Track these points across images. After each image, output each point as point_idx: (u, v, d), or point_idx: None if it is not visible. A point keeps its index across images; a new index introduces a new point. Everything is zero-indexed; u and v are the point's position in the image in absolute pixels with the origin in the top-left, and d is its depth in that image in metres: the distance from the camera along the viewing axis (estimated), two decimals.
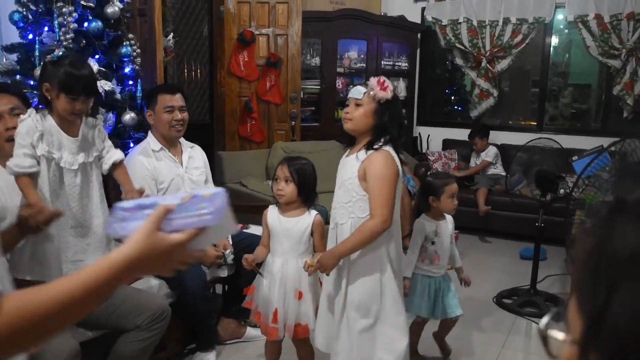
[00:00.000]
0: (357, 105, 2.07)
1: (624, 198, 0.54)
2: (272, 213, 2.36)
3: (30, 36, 2.82)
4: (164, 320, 2.24)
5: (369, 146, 2.07)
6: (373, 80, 2.06)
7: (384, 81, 2.06)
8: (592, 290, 0.49)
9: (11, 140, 2.00)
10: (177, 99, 2.85)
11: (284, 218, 2.33)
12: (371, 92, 2.05)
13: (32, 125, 1.97)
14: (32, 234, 1.92)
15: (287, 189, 2.28)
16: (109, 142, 2.23)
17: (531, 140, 4.32)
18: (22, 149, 1.95)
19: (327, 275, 2.15)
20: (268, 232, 2.36)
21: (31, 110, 1.99)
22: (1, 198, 1.96)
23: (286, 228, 2.31)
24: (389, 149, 2.07)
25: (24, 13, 2.85)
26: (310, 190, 2.34)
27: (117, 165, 2.19)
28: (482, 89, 5.82)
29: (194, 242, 0.89)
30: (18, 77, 2.75)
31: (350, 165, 2.10)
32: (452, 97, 6.51)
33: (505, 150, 5.54)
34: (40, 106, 2.04)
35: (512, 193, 5.14)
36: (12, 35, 3.04)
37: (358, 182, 2.06)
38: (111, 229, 0.98)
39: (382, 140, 2.06)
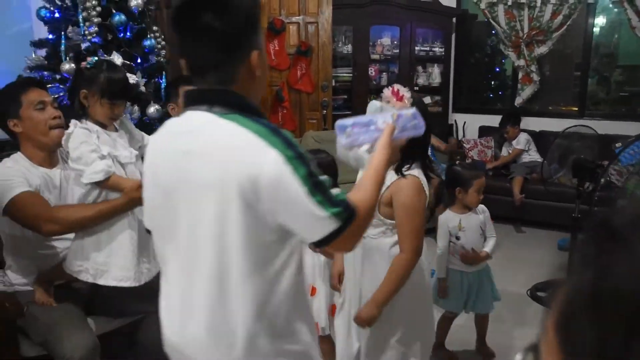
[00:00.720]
0: None
1: (611, 220, 0.46)
2: None
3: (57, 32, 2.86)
4: None
5: (396, 169, 1.83)
6: (387, 92, 1.80)
7: (398, 90, 1.80)
8: (592, 335, 0.41)
9: (57, 127, 2.04)
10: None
11: None
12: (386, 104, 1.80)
13: (84, 132, 1.93)
14: None
15: None
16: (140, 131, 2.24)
17: (570, 127, 4.13)
18: (93, 155, 1.89)
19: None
20: None
21: (73, 122, 1.98)
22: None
23: None
24: (418, 173, 1.84)
25: (51, 9, 2.89)
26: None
27: None
28: (525, 74, 5.62)
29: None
30: (45, 73, 2.80)
31: None
32: (492, 83, 6.33)
33: (544, 138, 5.35)
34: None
35: (550, 182, 4.96)
36: (43, 31, 3.09)
37: (380, 205, 1.86)
38: (346, 142, 1.34)
39: (410, 162, 1.84)
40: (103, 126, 2.00)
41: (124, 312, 2.22)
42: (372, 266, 1.89)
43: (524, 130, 5.32)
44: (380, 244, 1.88)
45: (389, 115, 1.34)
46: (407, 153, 1.80)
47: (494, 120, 5.66)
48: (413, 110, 1.38)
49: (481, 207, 2.69)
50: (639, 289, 0.39)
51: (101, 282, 1.93)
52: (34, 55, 2.92)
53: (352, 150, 1.38)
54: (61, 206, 1.97)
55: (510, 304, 3.37)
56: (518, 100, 5.74)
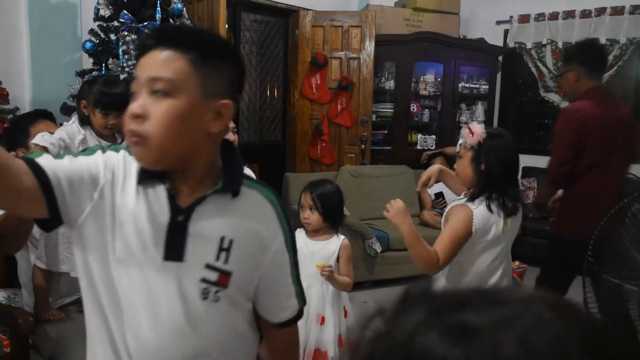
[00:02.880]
0: (459, 157, 2.00)
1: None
2: (299, 236, 2.34)
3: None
4: None
5: (471, 198, 1.94)
6: (464, 130, 1.98)
7: (470, 126, 1.96)
8: None
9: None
10: (232, 122, 2.93)
11: (310, 241, 2.32)
12: (463, 141, 1.98)
13: (75, 130, 2.13)
14: None
15: (313, 217, 2.28)
16: None
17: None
18: (56, 136, 2.04)
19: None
20: None
21: (75, 118, 2.15)
22: None
23: (312, 251, 2.29)
24: (475, 205, 1.90)
25: (95, 42, 3.06)
26: (335, 215, 2.32)
27: None
28: None
29: None
30: None
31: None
32: (538, 122, 6.19)
33: None
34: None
35: None
36: (90, 63, 3.27)
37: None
38: None
39: (483, 195, 1.91)
40: (102, 136, 2.15)
41: None
42: None
43: None
44: None
45: None
46: (482, 182, 1.91)
47: (537, 161, 5.52)
48: None
49: None
50: None
51: None
52: (77, 84, 3.09)
53: None
54: None
55: None
56: None
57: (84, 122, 2.18)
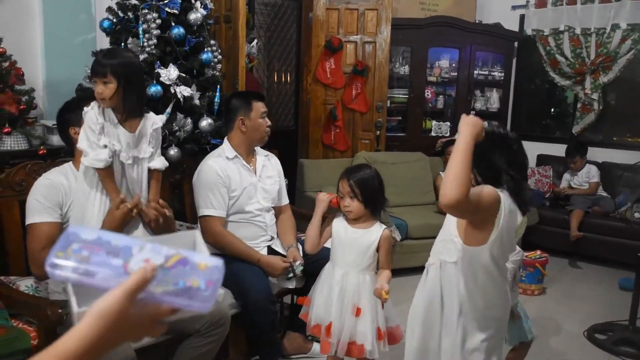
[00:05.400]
0: None
1: None
2: (339, 222, 2.26)
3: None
4: (222, 327, 2.21)
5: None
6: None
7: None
8: None
9: None
10: (265, 106, 2.83)
11: (350, 228, 2.21)
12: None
13: (92, 117, 2.00)
14: None
15: (353, 205, 2.17)
16: (159, 146, 2.22)
17: None
18: (94, 140, 1.99)
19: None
20: (329, 235, 2.27)
21: (94, 103, 2.02)
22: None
23: (352, 238, 2.19)
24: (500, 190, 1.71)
25: (114, 20, 2.94)
26: (377, 201, 2.20)
27: (153, 172, 2.18)
28: (584, 103, 5.40)
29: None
30: None
31: None
32: (552, 110, 6.11)
33: (607, 169, 5.10)
34: None
35: (613, 216, 4.72)
36: (106, 42, 3.16)
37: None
38: (61, 270, 0.71)
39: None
40: (122, 117, 2.04)
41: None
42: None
43: (588, 161, 5.08)
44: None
45: (163, 254, 0.75)
46: (489, 175, 1.74)
47: (553, 149, 5.45)
48: (217, 263, 0.77)
49: None
50: None
51: None
52: None
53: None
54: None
55: (564, 344, 3.18)
56: (576, 129, 5.52)
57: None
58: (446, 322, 1.79)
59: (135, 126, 2.07)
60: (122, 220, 2.03)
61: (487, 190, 1.65)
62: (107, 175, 2.02)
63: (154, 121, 2.14)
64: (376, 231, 2.20)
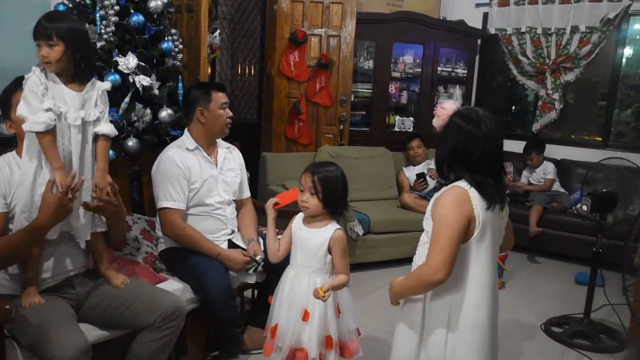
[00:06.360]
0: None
1: None
2: (297, 220, 2.16)
3: None
4: (177, 320, 2.14)
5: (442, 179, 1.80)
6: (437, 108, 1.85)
7: (437, 105, 1.83)
8: None
9: None
10: (226, 97, 2.77)
11: (304, 227, 2.10)
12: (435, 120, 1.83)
13: (35, 80, 1.87)
14: None
15: (312, 202, 2.04)
16: (107, 111, 2.08)
17: (604, 159, 3.90)
18: (35, 104, 1.84)
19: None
20: (289, 237, 2.16)
21: (35, 68, 1.91)
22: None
23: (302, 238, 2.08)
24: (464, 184, 1.69)
25: (69, 6, 2.83)
26: (337, 202, 2.08)
27: (99, 138, 2.02)
28: (545, 101, 5.51)
29: None
30: None
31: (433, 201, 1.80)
32: (513, 107, 6.21)
33: (565, 166, 5.23)
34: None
35: (570, 212, 4.83)
36: None
37: (429, 221, 1.73)
38: None
39: (455, 171, 1.72)
40: (68, 80, 1.92)
41: (114, 324, 2.13)
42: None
43: (546, 158, 5.20)
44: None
45: None
46: (450, 161, 1.74)
47: (514, 146, 5.53)
48: None
49: None
50: None
51: None
52: None
53: None
54: None
55: (521, 337, 3.23)
56: (535, 127, 5.64)
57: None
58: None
59: (81, 88, 1.95)
60: (58, 209, 1.85)
61: (446, 220, 1.65)
62: (49, 143, 1.85)
63: (100, 85, 2.03)
64: (326, 232, 2.05)
